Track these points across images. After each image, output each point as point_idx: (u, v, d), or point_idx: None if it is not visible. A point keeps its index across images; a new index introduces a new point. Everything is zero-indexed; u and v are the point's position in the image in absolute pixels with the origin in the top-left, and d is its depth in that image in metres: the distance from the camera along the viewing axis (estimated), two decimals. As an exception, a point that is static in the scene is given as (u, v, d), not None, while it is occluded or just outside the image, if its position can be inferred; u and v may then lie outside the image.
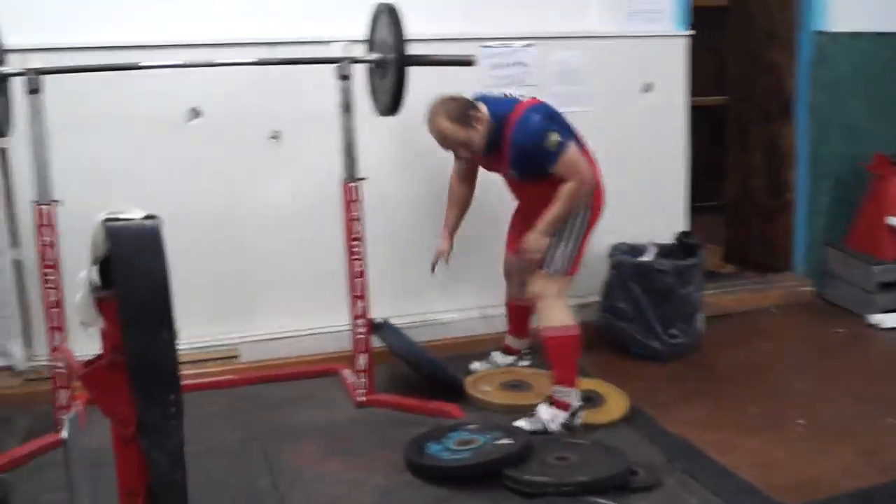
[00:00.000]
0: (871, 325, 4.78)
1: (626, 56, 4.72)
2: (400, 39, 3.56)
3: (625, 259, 4.44)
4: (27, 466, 3.29)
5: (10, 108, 3.48)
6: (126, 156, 3.97)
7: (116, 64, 3.60)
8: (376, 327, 3.92)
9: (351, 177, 3.72)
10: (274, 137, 4.18)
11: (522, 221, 3.75)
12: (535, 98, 3.59)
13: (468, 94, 3.63)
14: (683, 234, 4.62)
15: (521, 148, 3.44)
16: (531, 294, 3.57)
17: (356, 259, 3.75)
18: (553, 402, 3.50)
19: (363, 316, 3.81)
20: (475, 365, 4.20)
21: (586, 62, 4.63)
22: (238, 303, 4.27)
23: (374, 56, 3.76)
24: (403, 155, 4.36)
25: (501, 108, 3.52)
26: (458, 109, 3.49)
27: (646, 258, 4.44)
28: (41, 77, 3.33)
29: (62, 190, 3.44)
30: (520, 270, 3.85)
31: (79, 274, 2.05)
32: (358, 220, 3.73)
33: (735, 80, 5.94)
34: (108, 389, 1.91)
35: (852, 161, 5.20)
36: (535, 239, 3.47)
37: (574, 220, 3.52)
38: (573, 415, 3.49)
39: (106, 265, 1.89)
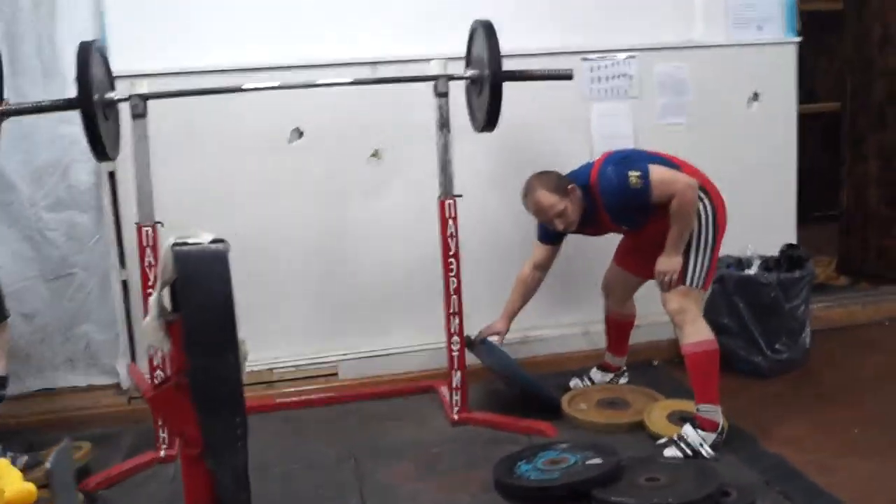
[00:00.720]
0: None
1: (733, 65, 4.63)
2: (495, 55, 3.55)
3: (728, 272, 4.34)
4: (125, 483, 3.41)
5: (118, 132, 3.61)
6: (229, 177, 4.09)
7: (219, 87, 3.70)
8: (471, 344, 3.92)
9: (447, 193, 3.75)
10: (374, 156, 4.24)
11: (635, 245, 3.78)
12: (605, 152, 3.64)
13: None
14: (789, 246, 4.49)
15: (615, 203, 3.44)
16: (670, 311, 3.47)
17: (452, 276, 3.77)
18: (700, 422, 3.39)
19: (458, 333, 3.83)
20: (574, 382, 4.17)
21: (691, 73, 4.56)
22: (337, 321, 4.34)
23: (470, 73, 3.76)
24: (502, 171, 4.36)
25: (582, 176, 3.55)
26: (554, 181, 3.52)
27: (750, 271, 4.33)
28: (146, 101, 3.45)
29: (166, 212, 3.54)
30: (622, 285, 3.93)
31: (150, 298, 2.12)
32: (454, 236, 3.74)
33: (850, 86, 5.73)
34: (175, 411, 1.96)
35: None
36: (667, 261, 3.41)
37: (701, 234, 3.45)
38: (721, 433, 3.39)
39: (175, 288, 1.95)
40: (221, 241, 1.99)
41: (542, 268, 3.85)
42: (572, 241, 3.92)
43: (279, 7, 4.09)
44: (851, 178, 5.74)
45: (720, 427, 3.38)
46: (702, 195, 3.44)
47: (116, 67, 3.65)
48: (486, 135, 3.83)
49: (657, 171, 3.37)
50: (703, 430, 3.36)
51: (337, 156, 4.21)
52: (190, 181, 4.01)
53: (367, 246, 4.31)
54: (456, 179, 3.76)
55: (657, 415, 3.70)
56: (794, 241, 4.67)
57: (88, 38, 3.52)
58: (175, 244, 1.96)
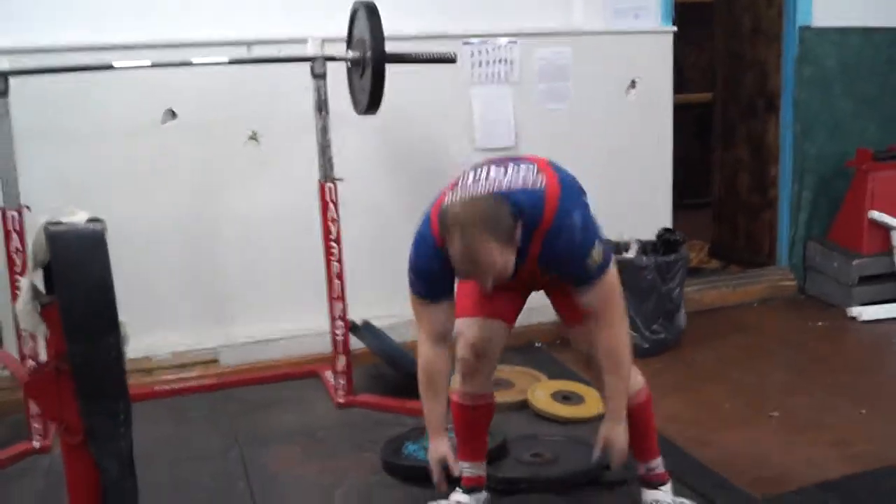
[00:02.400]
0: (851, 318, 4.79)
1: (612, 53, 4.73)
2: (378, 37, 3.50)
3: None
4: (-2, 475, 3.28)
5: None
6: (99, 160, 3.93)
7: (87, 64, 3.56)
8: (355, 328, 3.91)
9: (327, 177, 3.70)
10: (252, 138, 4.17)
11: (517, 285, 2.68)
12: (550, 170, 2.50)
13: (482, 186, 2.44)
14: (666, 230, 4.60)
15: (560, 259, 2.47)
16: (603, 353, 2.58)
17: (334, 260, 3.74)
18: (658, 478, 2.86)
19: (342, 317, 3.80)
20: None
21: (571, 59, 4.63)
22: (217, 307, 4.26)
23: (351, 54, 3.72)
24: (385, 155, 4.36)
25: (532, 209, 2.41)
26: (504, 225, 2.35)
27: (628, 255, 4.43)
28: (6, 79, 3.29)
29: (32, 196, 3.39)
30: (499, 344, 2.77)
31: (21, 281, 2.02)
32: (335, 221, 3.71)
33: (721, 77, 5.94)
34: (54, 397, 1.88)
35: (837, 157, 5.21)
36: (619, 432, 2.58)
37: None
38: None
39: (49, 270, 1.86)
40: (98, 220, 1.91)
41: (445, 338, 2.63)
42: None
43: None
44: (722, 166, 5.95)
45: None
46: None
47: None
48: (367, 119, 3.80)
49: (611, 276, 2.52)
50: (662, 485, 2.87)
51: (213, 139, 4.10)
52: (57, 164, 3.85)
53: (246, 231, 4.23)
54: (338, 163, 3.72)
55: (541, 394, 3.76)
56: (669, 225, 4.80)
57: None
58: (48, 224, 1.87)
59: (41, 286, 1.90)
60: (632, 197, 4.77)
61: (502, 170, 2.45)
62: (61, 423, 1.90)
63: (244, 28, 4.05)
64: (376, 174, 4.34)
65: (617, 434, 2.55)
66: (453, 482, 2.82)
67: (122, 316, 1.93)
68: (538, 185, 2.43)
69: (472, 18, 4.46)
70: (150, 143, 4.01)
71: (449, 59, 3.82)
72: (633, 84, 4.77)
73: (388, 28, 3.54)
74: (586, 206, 2.51)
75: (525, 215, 2.38)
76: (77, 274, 1.82)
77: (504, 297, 2.72)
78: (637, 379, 2.75)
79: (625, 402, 2.57)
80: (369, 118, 3.77)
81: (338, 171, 3.71)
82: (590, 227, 2.46)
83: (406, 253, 2.69)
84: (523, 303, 2.83)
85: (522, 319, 2.95)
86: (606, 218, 3.58)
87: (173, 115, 4.04)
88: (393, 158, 4.37)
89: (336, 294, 3.77)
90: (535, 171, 2.46)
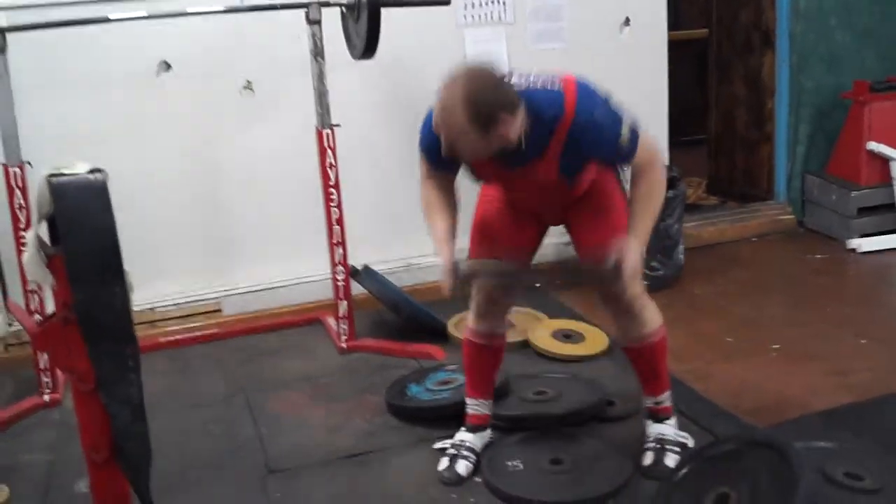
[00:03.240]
0: (850, 250, 4.80)
1: None
2: None
3: None
4: (9, 431, 3.32)
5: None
6: (96, 114, 3.92)
7: (82, 18, 3.51)
8: (355, 273, 3.93)
9: (324, 123, 3.69)
10: (247, 88, 4.15)
11: (518, 214, 2.76)
12: (569, 77, 2.47)
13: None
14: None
15: (588, 151, 2.47)
16: (629, 298, 2.63)
17: (333, 206, 3.75)
18: (663, 412, 2.87)
19: (342, 263, 3.82)
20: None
21: (565, -1, 4.55)
22: (217, 256, 4.28)
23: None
24: (380, 100, 4.34)
25: (547, 109, 2.40)
26: (504, 91, 2.36)
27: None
28: (4, 35, 3.28)
29: (32, 152, 3.39)
30: (504, 289, 2.79)
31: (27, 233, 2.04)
32: (333, 166, 3.70)
33: (716, 12, 5.88)
34: (64, 347, 1.90)
35: (834, 89, 5.17)
36: (636, 250, 2.47)
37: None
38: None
39: (53, 222, 1.88)
40: (99, 170, 1.92)
41: (451, 191, 2.68)
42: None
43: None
44: (718, 102, 5.93)
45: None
46: None
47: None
48: (362, 64, 3.78)
49: (645, 134, 2.52)
50: (668, 419, 2.88)
51: (208, 88, 4.07)
52: (56, 119, 3.83)
53: (244, 179, 4.23)
54: (334, 109, 3.70)
55: (541, 333, 3.80)
56: (666, 162, 4.77)
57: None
58: (50, 175, 1.88)
59: (46, 238, 1.93)
60: (629, 136, 4.73)
61: (523, 78, 2.46)
62: (72, 372, 1.92)
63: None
64: (372, 119, 4.32)
65: (631, 247, 2.45)
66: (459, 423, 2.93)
67: (126, 266, 1.95)
68: (556, 85, 2.43)
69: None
70: (147, 94, 3.99)
71: (443, 2, 3.78)
72: (626, 22, 4.72)
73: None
74: (607, 97, 2.48)
75: (544, 114, 2.40)
76: (81, 224, 1.85)
77: (521, 235, 2.77)
78: (655, 318, 2.77)
79: (649, 226, 2.53)
80: (363, 63, 3.75)
81: (334, 118, 3.69)
82: (612, 109, 2.46)
83: (403, 196, 2.73)
84: (540, 240, 2.86)
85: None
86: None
87: (167, 66, 4.01)
88: (388, 103, 4.34)
89: (336, 240, 3.78)
90: (555, 77, 2.47)
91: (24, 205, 3.35)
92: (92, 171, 1.89)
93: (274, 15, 3.78)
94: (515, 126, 2.36)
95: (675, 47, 4.95)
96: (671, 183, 4.43)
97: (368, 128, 4.28)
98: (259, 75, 4.14)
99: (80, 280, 1.84)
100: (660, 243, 4.36)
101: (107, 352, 1.89)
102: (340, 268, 3.81)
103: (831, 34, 5.13)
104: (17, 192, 3.36)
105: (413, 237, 4.19)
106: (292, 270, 4.31)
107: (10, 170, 3.36)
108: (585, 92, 2.44)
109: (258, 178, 4.24)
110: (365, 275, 4.00)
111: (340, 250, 3.80)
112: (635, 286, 2.60)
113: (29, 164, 3.37)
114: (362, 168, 4.26)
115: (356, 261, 3.94)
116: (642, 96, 4.72)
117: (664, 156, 2.33)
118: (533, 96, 2.41)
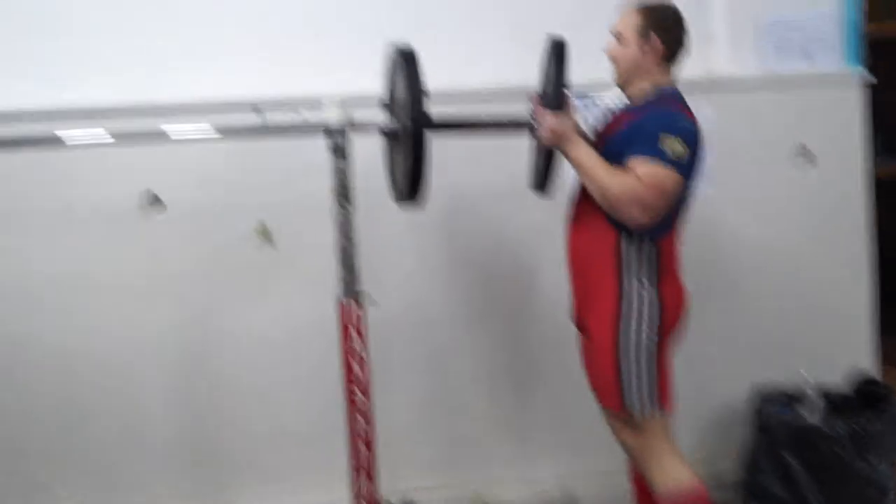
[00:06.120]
0: None
1: (771, 109, 3.52)
2: (417, 96, 2.56)
3: (775, 415, 3.30)
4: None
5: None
6: (63, 259, 3.24)
7: (30, 137, 2.72)
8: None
9: (348, 292, 2.72)
10: (261, 235, 3.33)
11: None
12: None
13: None
14: (866, 381, 3.45)
15: (640, 126, 2.56)
16: (628, 449, 2.71)
17: (357, 411, 2.74)
18: None
19: (366, 497, 2.78)
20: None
21: (714, 121, 3.37)
22: (208, 469, 3.41)
23: (383, 121, 2.81)
24: (439, 256, 3.46)
25: (671, 94, 2.67)
26: (659, 13, 2.65)
27: (807, 414, 3.26)
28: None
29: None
30: None
31: None
32: (357, 354, 2.72)
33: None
34: None
35: None
36: (556, 123, 2.59)
37: (631, 329, 2.56)
38: None
39: None
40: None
41: None
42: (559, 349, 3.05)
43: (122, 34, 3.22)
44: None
45: None
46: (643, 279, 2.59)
47: None
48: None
49: (666, 174, 2.49)
50: None
51: (207, 235, 3.29)
52: (11, 266, 3.23)
53: (247, 363, 3.38)
54: (369, 269, 2.80)
55: None
56: (869, 357, 3.66)
57: None
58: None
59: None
60: (808, 320, 3.58)
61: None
62: None
63: (246, 83, 3.25)
64: (426, 282, 3.43)
65: (556, 120, 2.60)
66: None
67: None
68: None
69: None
70: (126, 238, 3.30)
71: (525, 125, 2.79)
72: (803, 152, 3.52)
73: (441, 81, 2.71)
74: (683, 116, 2.58)
75: (662, 89, 2.65)
76: None
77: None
78: (676, 472, 2.62)
79: (588, 164, 2.56)
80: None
81: (367, 282, 2.72)
82: (677, 122, 2.53)
83: (465, 395, 3.08)
84: None
85: None
86: (768, 351, 3.33)
87: (156, 201, 3.23)
88: (445, 260, 3.46)
89: (360, 461, 2.77)
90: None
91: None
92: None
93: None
94: (657, 47, 2.64)
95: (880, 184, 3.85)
96: (878, 401, 3.33)
97: (420, 295, 3.42)
98: (275, 219, 3.35)
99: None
100: (859, 493, 3.21)
101: None
102: (364, 504, 2.81)
103: None
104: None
105: (486, 453, 3.40)
106: (309, 495, 3.39)
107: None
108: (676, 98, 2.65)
109: (265, 362, 3.39)
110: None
111: (367, 479, 2.78)
112: (627, 436, 2.65)
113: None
114: (410, 349, 3.40)
115: (393, 489, 3.12)
116: (830, 258, 3.72)
117: (651, 203, 2.48)
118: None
